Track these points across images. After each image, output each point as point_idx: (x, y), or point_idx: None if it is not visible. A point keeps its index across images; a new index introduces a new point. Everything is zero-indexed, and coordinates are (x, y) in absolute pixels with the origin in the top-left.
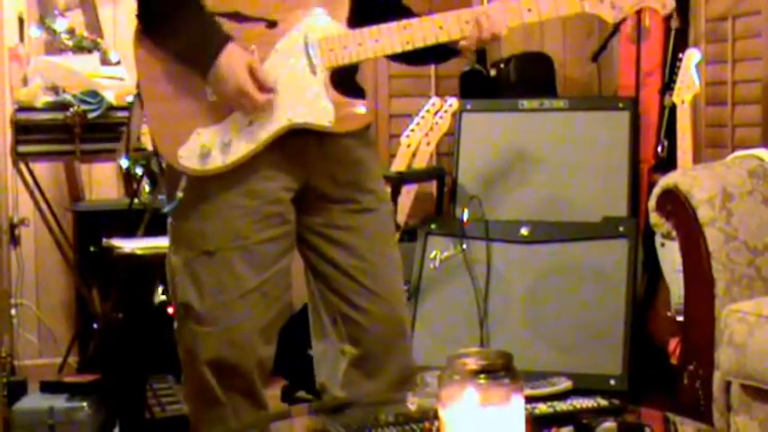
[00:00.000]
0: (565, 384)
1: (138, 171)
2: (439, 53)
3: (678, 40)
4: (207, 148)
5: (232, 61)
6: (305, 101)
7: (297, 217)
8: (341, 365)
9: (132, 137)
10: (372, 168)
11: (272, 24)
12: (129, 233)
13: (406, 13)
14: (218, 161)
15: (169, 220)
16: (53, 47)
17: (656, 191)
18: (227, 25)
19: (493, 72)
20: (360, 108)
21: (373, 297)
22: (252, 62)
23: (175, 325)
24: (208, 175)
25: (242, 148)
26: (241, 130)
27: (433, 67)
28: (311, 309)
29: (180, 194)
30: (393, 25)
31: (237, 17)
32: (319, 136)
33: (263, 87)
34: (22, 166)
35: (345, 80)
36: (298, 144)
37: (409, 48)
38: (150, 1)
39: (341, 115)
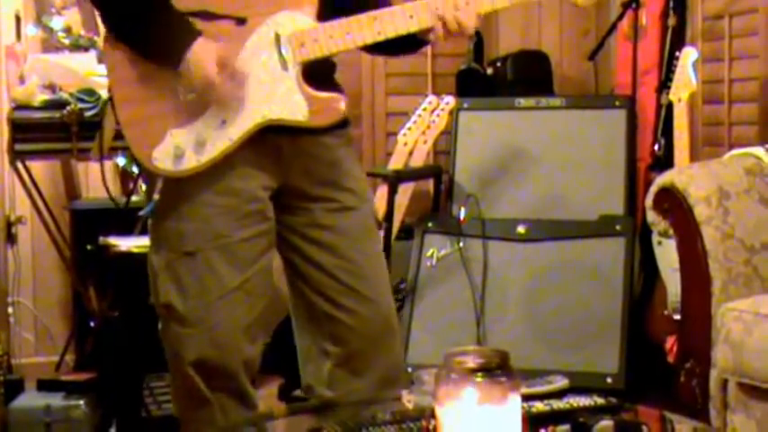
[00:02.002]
0: (562, 383)
1: (135, 169)
2: (410, 43)
3: (675, 38)
4: (181, 148)
5: (201, 53)
6: (277, 96)
7: (278, 217)
8: (325, 365)
9: (106, 138)
10: (350, 167)
11: (241, 21)
12: (126, 231)
13: (376, 3)
14: (192, 161)
15: (149, 220)
16: (50, 45)
17: (653, 189)
18: (196, 24)
19: (490, 70)
20: (334, 102)
21: (357, 296)
22: (222, 54)
23: (160, 326)
24: (184, 176)
25: (216, 147)
26: (215, 129)
27: (429, 65)
28: (293, 310)
29: (156, 196)
30: (363, 16)
31: (206, 15)
32: (294, 133)
33: (233, 79)
34: (19, 165)
35: (322, 78)
36: (272, 141)
37: (381, 38)
38: (115, 3)
39: (314, 110)
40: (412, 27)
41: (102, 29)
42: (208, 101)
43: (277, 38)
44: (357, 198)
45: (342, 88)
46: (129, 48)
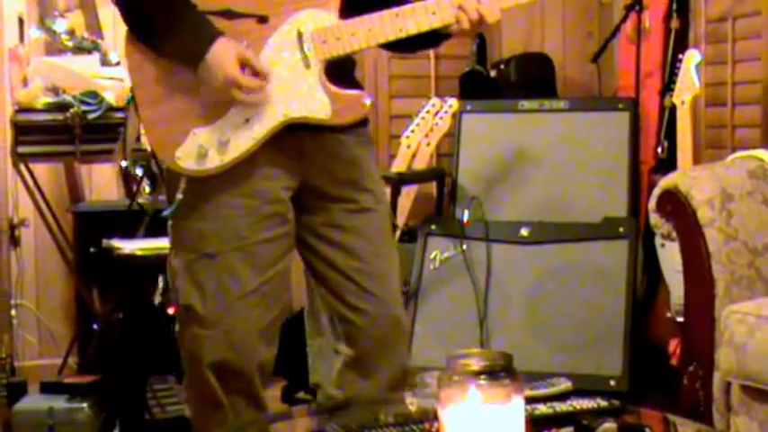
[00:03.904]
0: (565, 385)
1: (138, 172)
2: (431, 38)
3: (678, 40)
4: (204, 148)
5: (222, 53)
6: (300, 94)
7: (296, 217)
8: (336, 365)
9: (129, 139)
10: (370, 168)
11: (262, 20)
12: (129, 234)
13: (398, 0)
14: (215, 161)
15: (169, 221)
16: (53, 48)
17: (656, 191)
18: (218, 23)
19: (493, 73)
20: (356, 99)
21: (370, 298)
22: (243, 53)
23: (177, 328)
24: (206, 176)
25: (239, 146)
26: (237, 129)
27: (433, 67)
28: (308, 308)
29: (180, 196)
30: (385, 13)
31: (228, 14)
32: (316, 131)
33: (256, 75)
34: (22, 167)
35: (343, 76)
36: (295, 140)
37: (403, 35)
38: (137, 2)
39: (337, 107)
40: (434, 23)
41: (106, 32)
42: (230, 100)
43: (299, 35)
44: (375, 199)
45: (362, 85)
46: (149, 48)
